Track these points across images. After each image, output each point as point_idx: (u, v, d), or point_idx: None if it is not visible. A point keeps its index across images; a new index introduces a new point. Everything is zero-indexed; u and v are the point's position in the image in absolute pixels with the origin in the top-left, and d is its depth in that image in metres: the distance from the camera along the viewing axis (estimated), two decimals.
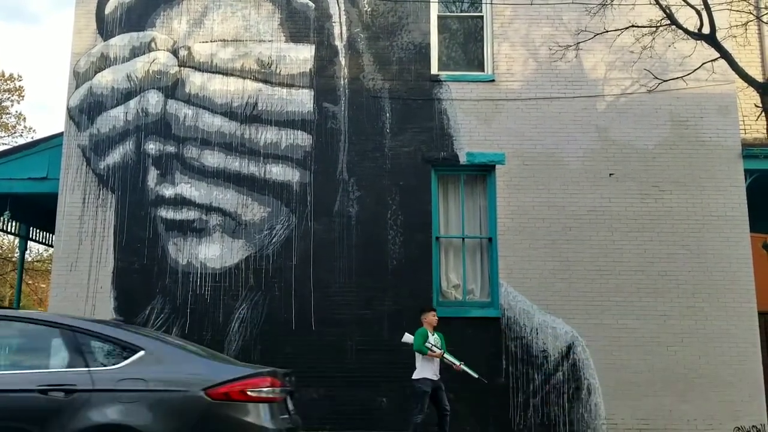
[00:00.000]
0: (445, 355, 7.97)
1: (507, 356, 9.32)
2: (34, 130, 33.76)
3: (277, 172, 9.85)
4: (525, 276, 9.53)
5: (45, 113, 52.42)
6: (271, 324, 9.45)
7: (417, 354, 7.93)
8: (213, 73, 10.09)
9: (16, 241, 18.24)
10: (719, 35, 8.52)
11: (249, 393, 4.45)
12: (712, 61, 9.00)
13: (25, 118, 28.40)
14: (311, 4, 10.29)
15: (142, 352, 4.58)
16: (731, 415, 9.17)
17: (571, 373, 9.29)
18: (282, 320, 9.47)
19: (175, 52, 10.18)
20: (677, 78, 9.58)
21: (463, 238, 9.92)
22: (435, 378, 7.92)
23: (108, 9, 10.39)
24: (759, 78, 9.68)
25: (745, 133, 10.50)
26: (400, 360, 9.30)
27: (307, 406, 9.22)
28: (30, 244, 13.76)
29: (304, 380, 9.29)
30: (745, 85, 8.55)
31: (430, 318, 8.10)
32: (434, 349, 7.88)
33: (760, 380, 9.27)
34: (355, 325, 9.43)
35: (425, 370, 7.88)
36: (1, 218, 11.52)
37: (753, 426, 9.12)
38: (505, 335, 9.37)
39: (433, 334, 8.01)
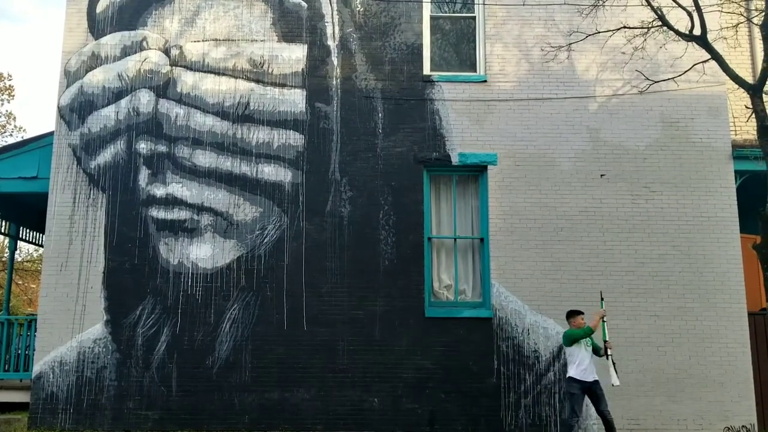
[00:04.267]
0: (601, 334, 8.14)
1: (498, 356, 9.33)
2: (24, 130, 33.62)
3: (269, 172, 9.82)
4: (517, 276, 9.55)
5: (32, 111, 52.13)
6: (262, 324, 9.43)
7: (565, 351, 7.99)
8: (205, 72, 10.06)
9: (6, 240, 18.13)
10: (710, 37, 8.55)
11: None
12: (703, 62, 9.04)
13: (15, 118, 28.20)
14: (304, 3, 10.27)
15: None
16: (721, 415, 9.22)
17: (563, 374, 9.30)
18: (274, 320, 9.44)
19: (166, 52, 10.14)
20: (668, 79, 9.63)
21: (455, 239, 9.93)
22: (583, 378, 7.91)
23: (99, 7, 10.34)
24: (749, 79, 9.74)
25: (736, 135, 10.57)
26: (392, 360, 9.32)
27: (298, 406, 9.23)
28: (20, 244, 13.69)
29: (296, 380, 9.30)
30: (736, 86, 8.58)
31: (579, 321, 8.17)
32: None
33: (750, 380, 9.32)
34: (347, 326, 9.42)
35: (570, 368, 7.98)
36: None
37: (743, 426, 9.17)
38: (496, 335, 9.38)
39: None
